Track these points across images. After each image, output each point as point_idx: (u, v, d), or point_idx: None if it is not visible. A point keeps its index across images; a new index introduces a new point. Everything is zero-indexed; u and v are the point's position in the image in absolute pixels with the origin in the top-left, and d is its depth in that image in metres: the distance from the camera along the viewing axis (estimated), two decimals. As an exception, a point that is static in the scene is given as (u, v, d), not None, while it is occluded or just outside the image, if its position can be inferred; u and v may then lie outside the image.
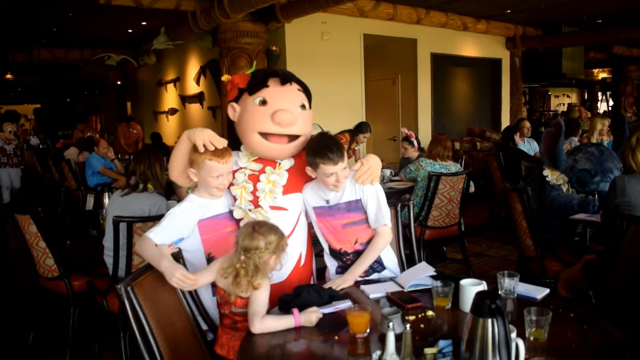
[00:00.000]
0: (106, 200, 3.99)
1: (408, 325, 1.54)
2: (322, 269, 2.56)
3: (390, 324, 1.56)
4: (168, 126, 11.17)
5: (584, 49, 10.75)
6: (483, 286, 1.90)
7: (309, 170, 2.25)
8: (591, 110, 13.86)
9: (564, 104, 16.51)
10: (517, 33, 9.69)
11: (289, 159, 2.36)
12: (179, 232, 2.18)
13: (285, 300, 1.98)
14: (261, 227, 1.97)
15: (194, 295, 2.16)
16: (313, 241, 2.50)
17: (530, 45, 9.86)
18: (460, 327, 1.83)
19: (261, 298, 1.92)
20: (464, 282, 1.94)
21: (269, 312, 1.93)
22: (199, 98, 9.55)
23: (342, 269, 2.37)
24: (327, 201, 2.32)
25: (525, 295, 2.02)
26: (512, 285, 2.01)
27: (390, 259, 2.39)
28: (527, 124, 7.07)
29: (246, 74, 2.40)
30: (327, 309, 1.90)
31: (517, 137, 6.51)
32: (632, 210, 2.70)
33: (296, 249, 2.38)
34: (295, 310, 1.87)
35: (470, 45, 9.50)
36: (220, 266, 1.99)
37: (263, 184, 2.31)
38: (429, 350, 1.46)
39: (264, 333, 1.81)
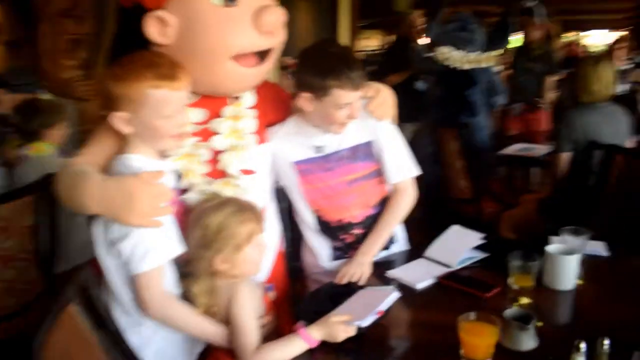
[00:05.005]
0: None
1: (607, 342, 0.96)
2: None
3: (583, 345, 0.96)
4: None
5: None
6: (577, 255, 1.41)
7: (305, 99, 1.47)
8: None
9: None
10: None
11: (250, 91, 1.53)
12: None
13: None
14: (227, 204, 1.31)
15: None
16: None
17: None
18: (583, 314, 1.32)
19: (246, 321, 1.22)
20: (552, 248, 1.43)
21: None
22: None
23: (342, 252, 1.67)
24: (319, 149, 1.58)
25: (591, 255, 1.59)
26: (580, 244, 1.56)
27: (399, 228, 1.76)
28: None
29: None
30: (368, 317, 1.20)
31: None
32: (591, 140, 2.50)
33: (275, 229, 1.62)
34: (301, 329, 1.17)
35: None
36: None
37: (223, 136, 1.45)
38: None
39: None
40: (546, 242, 1.49)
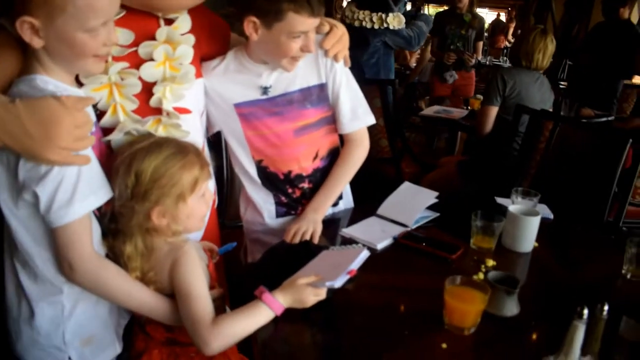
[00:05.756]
0: None
1: (607, 307, 0.90)
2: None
3: (585, 311, 0.88)
4: None
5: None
6: (539, 216, 1.36)
7: (252, 25, 1.24)
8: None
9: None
10: None
11: (184, 15, 1.26)
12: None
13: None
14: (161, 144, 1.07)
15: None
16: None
17: None
18: (547, 277, 1.27)
19: (197, 286, 1.01)
20: (515, 209, 1.36)
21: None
22: None
23: (287, 207, 1.49)
24: (265, 90, 1.36)
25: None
26: (531, 207, 1.53)
27: (347, 185, 1.60)
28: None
29: None
30: (339, 278, 1.04)
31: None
32: (521, 102, 2.55)
33: (211, 180, 1.39)
34: (264, 293, 0.99)
35: None
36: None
37: (154, 66, 1.19)
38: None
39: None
40: (471, 203, 1.44)
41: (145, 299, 1.02)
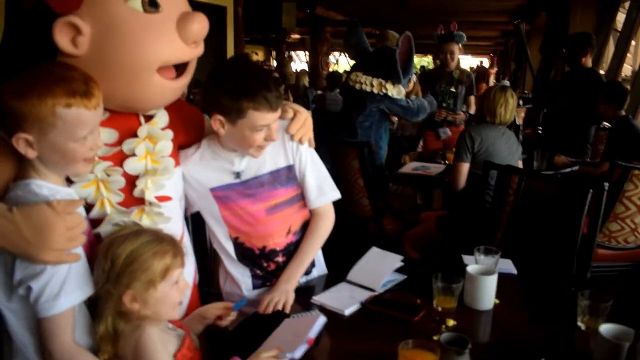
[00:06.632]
0: None
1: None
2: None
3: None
4: None
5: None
6: (495, 275, 1.47)
7: (218, 122, 1.38)
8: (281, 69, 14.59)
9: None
10: (237, -19, 9.29)
11: (162, 110, 1.40)
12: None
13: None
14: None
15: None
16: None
17: (250, -6, 9.58)
18: (506, 335, 1.37)
19: None
20: (473, 269, 1.47)
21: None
22: None
23: (263, 280, 1.60)
24: (238, 174, 1.50)
25: (502, 272, 1.68)
26: (492, 264, 1.64)
27: (319, 253, 1.72)
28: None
29: None
30: (299, 348, 1.15)
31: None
32: (490, 156, 2.70)
33: (191, 260, 1.50)
34: None
35: (195, -10, 8.67)
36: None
37: (136, 160, 1.32)
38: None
39: None
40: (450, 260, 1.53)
41: None
